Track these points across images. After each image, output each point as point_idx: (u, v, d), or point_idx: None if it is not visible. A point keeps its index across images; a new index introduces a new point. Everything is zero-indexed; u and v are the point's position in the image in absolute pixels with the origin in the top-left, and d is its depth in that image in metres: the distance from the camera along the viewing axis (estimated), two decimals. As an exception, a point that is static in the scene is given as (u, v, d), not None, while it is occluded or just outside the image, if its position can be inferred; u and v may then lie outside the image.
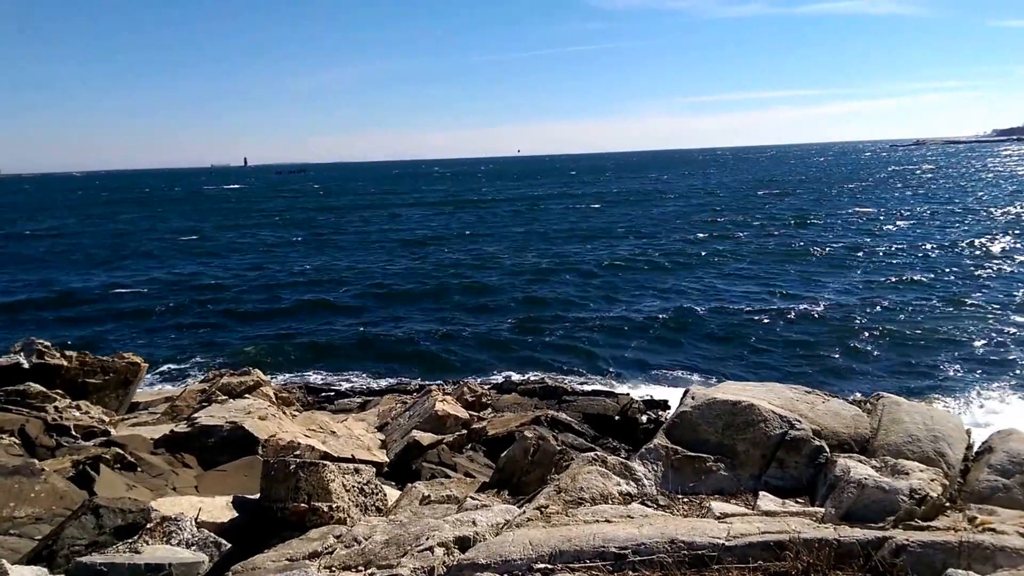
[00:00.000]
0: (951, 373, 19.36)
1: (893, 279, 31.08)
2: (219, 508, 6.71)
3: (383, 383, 19.81)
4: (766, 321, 24.96)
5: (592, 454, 5.87)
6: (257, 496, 6.40)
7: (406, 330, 25.74)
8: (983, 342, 21.64)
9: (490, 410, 15.59)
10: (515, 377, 19.73)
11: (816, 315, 25.55)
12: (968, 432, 5.80)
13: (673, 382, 19.23)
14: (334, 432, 12.28)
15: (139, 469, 9.02)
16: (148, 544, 5.33)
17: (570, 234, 51.44)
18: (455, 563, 4.36)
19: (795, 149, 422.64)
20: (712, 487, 5.45)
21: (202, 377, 18.77)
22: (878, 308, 25.92)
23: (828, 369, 20.22)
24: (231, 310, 29.69)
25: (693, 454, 5.66)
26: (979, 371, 19.28)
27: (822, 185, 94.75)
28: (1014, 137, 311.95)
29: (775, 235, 46.62)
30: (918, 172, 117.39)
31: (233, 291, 33.65)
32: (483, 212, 73.71)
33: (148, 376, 17.47)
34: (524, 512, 5.00)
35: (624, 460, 5.71)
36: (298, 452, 10.40)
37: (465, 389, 15.99)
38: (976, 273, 31.67)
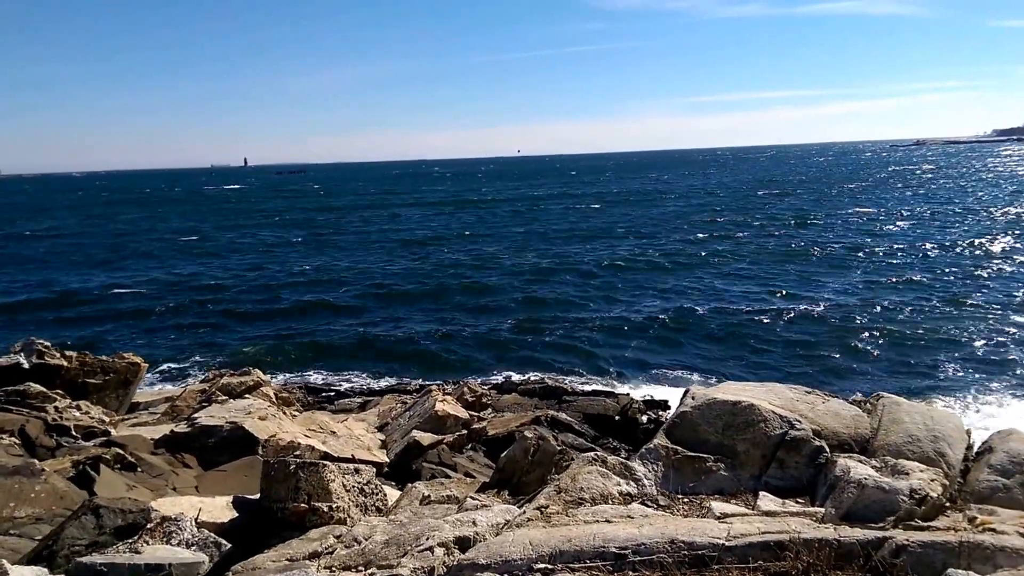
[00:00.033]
0: (951, 373, 19.36)
1: (893, 279, 31.08)
2: (219, 508, 6.71)
3: (383, 383, 19.82)
4: (766, 321, 24.96)
5: (592, 454, 5.87)
6: (257, 496, 6.40)
7: (406, 330, 25.74)
8: (983, 342, 21.64)
9: (490, 410, 15.60)
10: (515, 377, 19.74)
11: (816, 315, 25.55)
12: (968, 432, 5.80)
13: (673, 382, 19.24)
14: (334, 432, 12.29)
15: (139, 469, 9.03)
16: (148, 544, 5.33)
17: (570, 234, 51.44)
18: (455, 563, 4.36)
19: (795, 149, 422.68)
20: (712, 487, 5.45)
21: (202, 377, 18.77)
22: (878, 308, 25.92)
23: (828, 369, 20.23)
24: (231, 310, 29.69)
25: (693, 454, 5.66)
26: (979, 371, 19.28)
27: (822, 185, 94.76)
28: (1014, 137, 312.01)
29: (775, 235, 46.62)
30: (918, 172, 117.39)
31: (233, 291, 33.66)
32: (483, 212, 73.72)
33: (148, 376, 17.48)
34: (524, 512, 5.00)
35: (624, 460, 5.71)
36: (298, 452, 10.41)
37: (465, 389, 15.99)
38: (976, 273, 31.67)
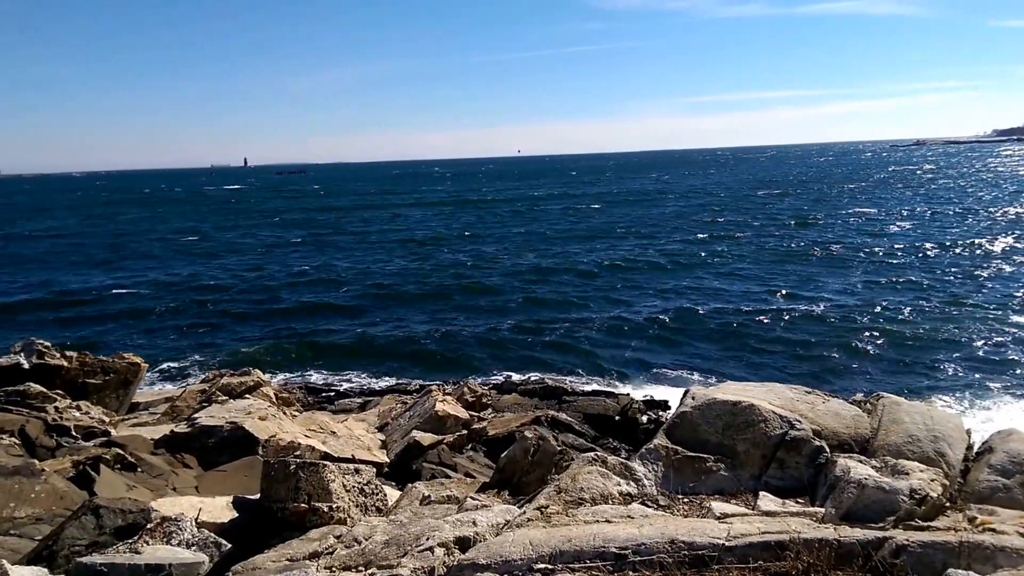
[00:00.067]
0: (951, 373, 19.36)
1: (893, 279, 31.08)
2: (219, 508, 6.71)
3: (383, 383, 19.83)
4: (766, 321, 24.96)
5: (592, 454, 5.87)
6: (257, 496, 6.40)
7: (406, 330, 25.74)
8: (983, 342, 21.64)
9: (490, 410, 15.60)
10: (515, 377, 19.75)
11: (816, 315, 25.55)
12: (968, 432, 5.80)
13: (673, 382, 19.24)
14: (334, 432, 12.29)
15: (139, 469, 9.02)
16: (148, 544, 5.33)
17: (570, 234, 51.46)
18: (455, 563, 4.36)
19: (795, 149, 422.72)
20: (712, 487, 5.45)
21: (202, 377, 18.77)
22: (878, 308, 25.92)
23: (828, 369, 20.23)
24: (231, 310, 29.70)
25: (693, 454, 5.66)
26: (979, 371, 19.28)
27: (822, 185, 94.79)
28: (1014, 137, 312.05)
29: (775, 235, 46.63)
30: (918, 172, 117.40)
31: (233, 291, 33.66)
32: (483, 212, 73.74)
33: (148, 376, 17.48)
34: (524, 512, 5.00)
35: (624, 460, 5.71)
36: (298, 452, 10.41)
37: (465, 389, 15.99)
38: (976, 273, 31.67)
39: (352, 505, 6.30)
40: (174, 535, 5.51)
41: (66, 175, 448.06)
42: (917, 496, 4.37)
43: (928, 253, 37.44)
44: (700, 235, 47.71)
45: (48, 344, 13.27)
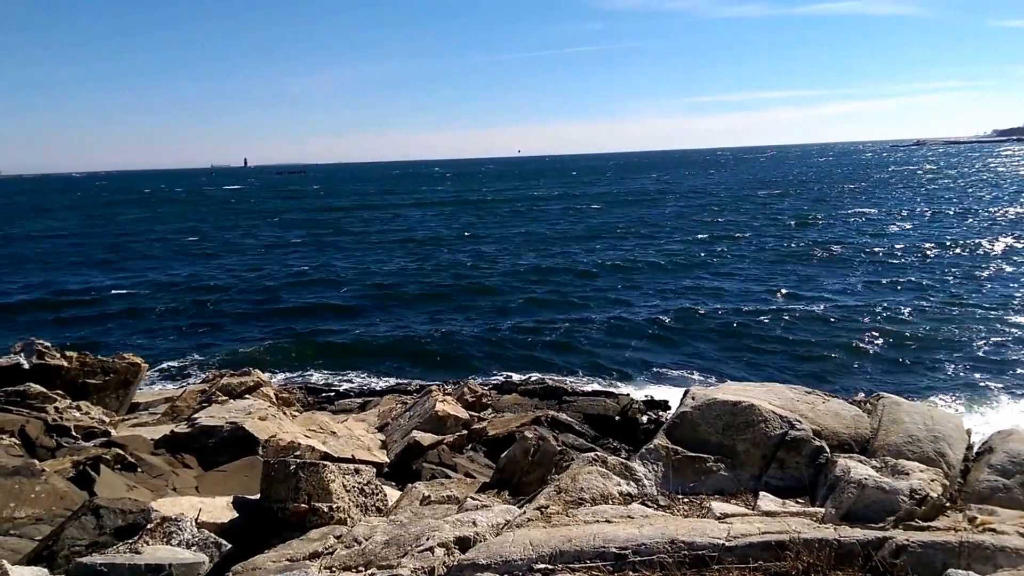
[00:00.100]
0: (951, 373, 19.36)
1: (893, 279, 31.08)
2: (219, 508, 6.71)
3: (383, 383, 19.82)
4: (766, 321, 24.96)
5: (592, 454, 5.87)
6: (257, 496, 6.40)
7: (406, 330, 25.74)
8: (983, 342, 21.64)
9: (490, 410, 15.60)
10: (515, 377, 19.74)
11: (816, 315, 25.55)
12: (968, 432, 5.79)
13: (673, 382, 19.23)
14: (334, 432, 12.29)
15: (139, 470, 9.02)
16: (148, 545, 5.33)
17: (570, 234, 51.47)
18: (455, 563, 4.36)
19: (795, 150, 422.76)
20: (712, 487, 5.45)
21: (202, 377, 18.77)
22: (878, 308, 25.92)
23: (828, 369, 20.22)
24: (231, 311, 29.70)
25: (693, 454, 5.66)
26: (979, 371, 19.28)
27: (822, 185, 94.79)
28: (1014, 137, 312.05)
29: (775, 235, 46.63)
30: (919, 172, 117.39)
31: (233, 292, 33.66)
32: (483, 212, 73.75)
33: (148, 376, 17.48)
34: (524, 512, 5.00)
35: (624, 460, 5.71)
36: (298, 452, 10.41)
37: (465, 389, 15.99)
38: (976, 273, 31.67)
39: (352, 505, 6.30)
40: (174, 535, 5.51)
41: (66, 175, 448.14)
42: (917, 496, 4.37)
43: (928, 253, 37.43)
44: (700, 235, 47.71)
45: (48, 344, 13.28)
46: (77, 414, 11.60)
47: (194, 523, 5.80)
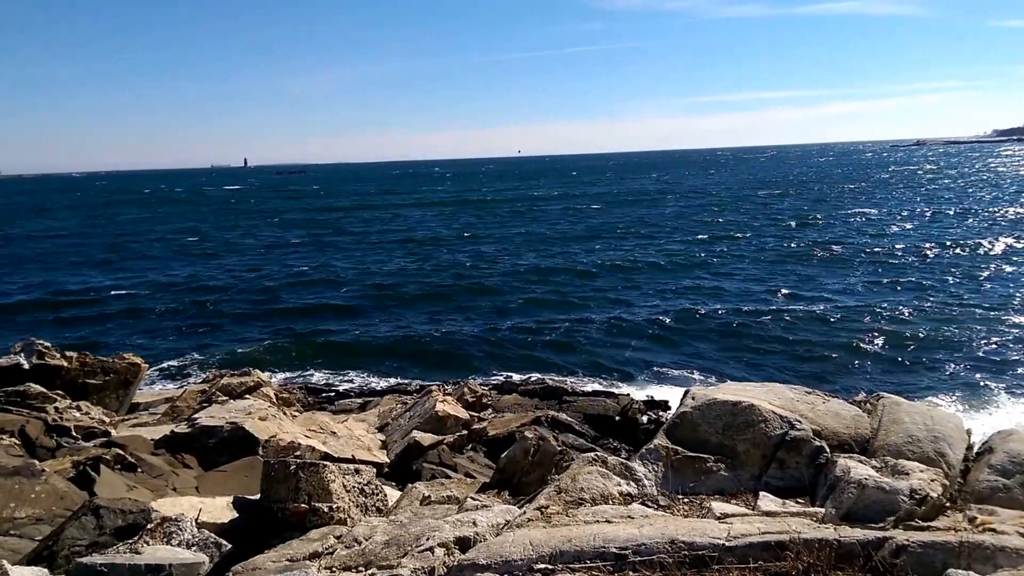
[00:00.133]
0: (951, 373, 19.36)
1: (893, 279, 31.08)
2: (219, 509, 6.71)
3: (383, 383, 19.82)
4: (766, 321, 24.96)
5: (592, 454, 5.87)
6: (257, 497, 6.40)
7: (406, 330, 25.74)
8: (983, 342, 21.64)
9: (490, 411, 15.60)
10: (515, 377, 19.74)
11: (816, 315, 25.55)
12: (968, 432, 5.79)
13: (673, 382, 19.23)
14: (334, 433, 12.29)
15: (139, 470, 9.02)
16: (148, 545, 5.33)
17: (570, 234, 51.47)
18: (455, 563, 4.36)
19: (795, 150, 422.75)
20: (712, 487, 5.45)
21: (202, 378, 18.78)
22: (878, 308, 25.92)
23: (828, 369, 20.22)
24: (231, 311, 29.70)
25: (693, 454, 5.66)
26: (979, 371, 19.28)
27: (822, 185, 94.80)
28: (1014, 137, 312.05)
29: (775, 235, 46.63)
30: (919, 173, 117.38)
31: (233, 292, 33.66)
32: (483, 212, 73.75)
33: (148, 377, 17.48)
34: (524, 512, 5.01)
35: (624, 460, 5.71)
36: (298, 453, 10.41)
37: (465, 390, 15.99)
38: (976, 273, 31.67)
39: (352, 505, 6.30)
40: (174, 535, 5.51)
41: (66, 175, 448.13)
42: (917, 496, 4.37)
43: (928, 253, 37.43)
44: (700, 235, 47.71)
45: (48, 344, 13.27)
46: (77, 414, 11.60)
47: (194, 523, 5.80)
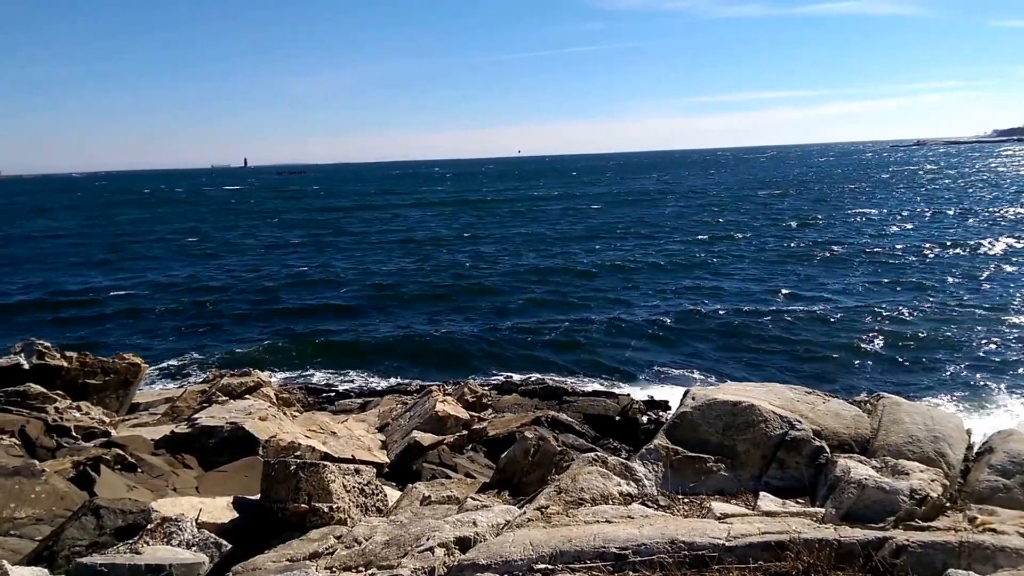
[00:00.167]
0: (951, 373, 19.36)
1: (893, 279, 31.09)
2: (220, 509, 6.71)
3: (383, 383, 19.83)
4: (766, 321, 24.96)
5: (592, 455, 5.87)
6: (258, 497, 6.40)
7: (406, 330, 25.75)
8: (983, 342, 21.64)
9: (490, 411, 15.60)
10: (515, 377, 19.74)
11: (816, 315, 25.55)
12: (968, 432, 5.79)
13: (673, 382, 19.24)
14: (334, 433, 12.29)
15: (139, 470, 9.02)
16: (148, 545, 5.33)
17: (570, 235, 51.48)
18: (455, 563, 4.36)
19: (795, 150, 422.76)
20: (712, 487, 5.45)
21: (202, 378, 18.77)
22: (878, 308, 25.92)
23: (828, 369, 20.23)
24: (231, 311, 29.70)
25: (693, 454, 5.66)
26: (979, 371, 19.28)
27: (823, 186, 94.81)
28: (1015, 137, 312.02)
29: (775, 235, 46.64)
30: (919, 173, 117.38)
31: (233, 292, 33.66)
32: (483, 212, 73.76)
33: (148, 377, 17.48)
34: (524, 512, 5.00)
35: (625, 460, 5.71)
36: (298, 453, 10.41)
37: (465, 390, 15.99)
38: (976, 273, 31.67)
39: (352, 505, 6.30)
40: (174, 535, 5.51)
41: (66, 175, 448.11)
42: (917, 496, 4.37)
43: (928, 253, 37.44)
44: (700, 235, 47.71)
45: (48, 344, 13.27)
46: (77, 414, 11.60)
47: (194, 523, 5.80)
